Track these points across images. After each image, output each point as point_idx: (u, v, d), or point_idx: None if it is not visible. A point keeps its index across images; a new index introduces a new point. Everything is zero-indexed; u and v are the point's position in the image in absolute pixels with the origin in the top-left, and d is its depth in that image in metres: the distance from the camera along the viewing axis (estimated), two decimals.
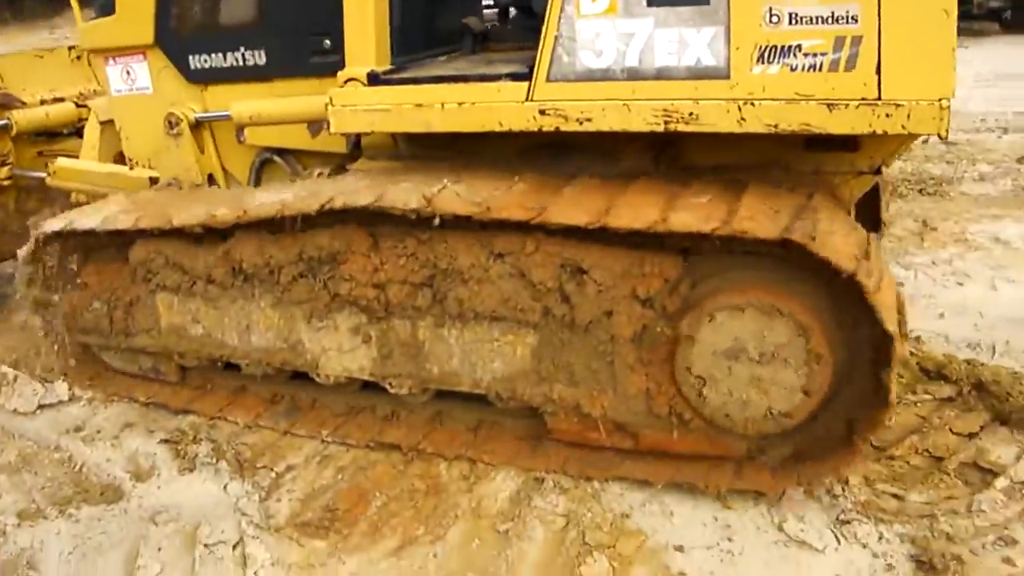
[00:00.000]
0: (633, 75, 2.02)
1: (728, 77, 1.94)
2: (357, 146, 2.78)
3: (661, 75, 1.99)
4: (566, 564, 2.08)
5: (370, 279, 2.35)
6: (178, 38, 3.02)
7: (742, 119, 1.94)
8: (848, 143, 2.20)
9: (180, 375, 2.98)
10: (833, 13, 1.83)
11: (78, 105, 3.84)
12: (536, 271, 2.17)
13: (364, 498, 2.39)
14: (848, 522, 2.12)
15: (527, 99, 2.12)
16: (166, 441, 2.76)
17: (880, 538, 2.07)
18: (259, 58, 2.89)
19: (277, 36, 2.83)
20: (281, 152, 3.02)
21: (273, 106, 2.84)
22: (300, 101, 2.77)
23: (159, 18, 3.01)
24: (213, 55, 2.97)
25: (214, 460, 2.63)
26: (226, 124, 3.02)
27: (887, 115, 1.84)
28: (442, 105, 2.21)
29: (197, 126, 3.09)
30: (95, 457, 2.72)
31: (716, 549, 2.09)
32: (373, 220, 2.31)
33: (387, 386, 2.54)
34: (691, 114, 1.98)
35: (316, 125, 2.79)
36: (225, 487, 2.50)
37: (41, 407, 3.05)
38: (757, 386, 2.08)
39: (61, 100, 3.88)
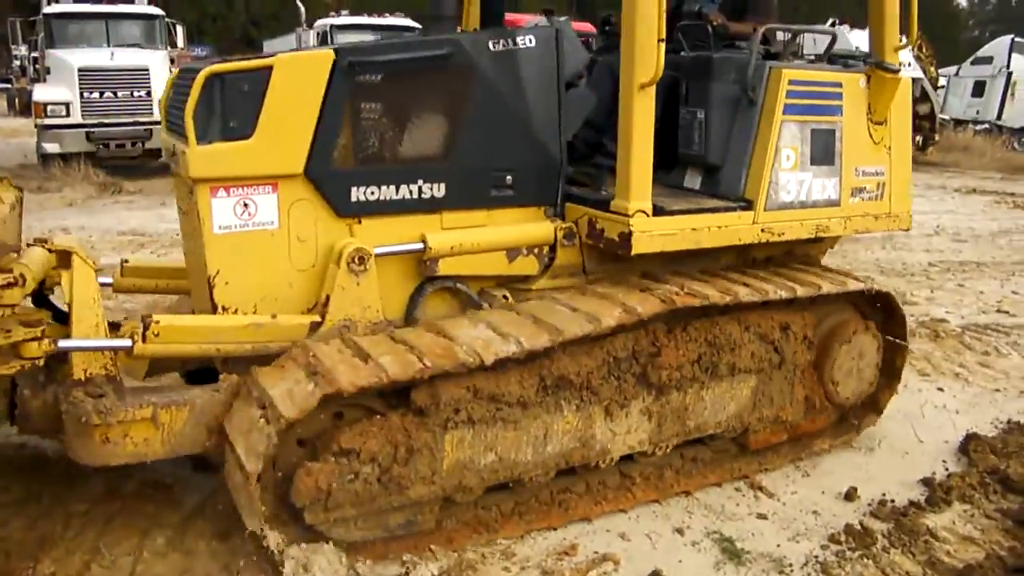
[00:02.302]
0: (803, 205, 3.82)
1: (840, 205, 3.89)
2: (546, 268, 3.69)
3: (816, 205, 3.85)
4: None
5: (670, 365, 3.45)
6: (339, 169, 3.31)
7: (844, 227, 3.91)
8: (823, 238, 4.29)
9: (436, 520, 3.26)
10: (876, 171, 3.93)
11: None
12: (769, 332, 3.70)
13: None
14: None
15: (753, 222, 3.68)
16: None
17: None
18: (437, 191, 3.48)
19: (461, 170, 3.51)
20: (455, 279, 3.57)
21: (479, 236, 3.53)
22: (508, 232, 3.59)
23: (316, 147, 3.25)
24: (383, 187, 3.39)
25: None
26: (382, 259, 3.38)
27: (893, 218, 4.02)
28: (709, 229, 3.57)
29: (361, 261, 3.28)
30: None
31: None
32: (662, 318, 3.43)
33: (655, 451, 3.61)
34: (826, 227, 3.87)
35: (514, 251, 3.62)
36: None
37: None
38: (857, 375, 4.02)
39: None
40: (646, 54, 3.30)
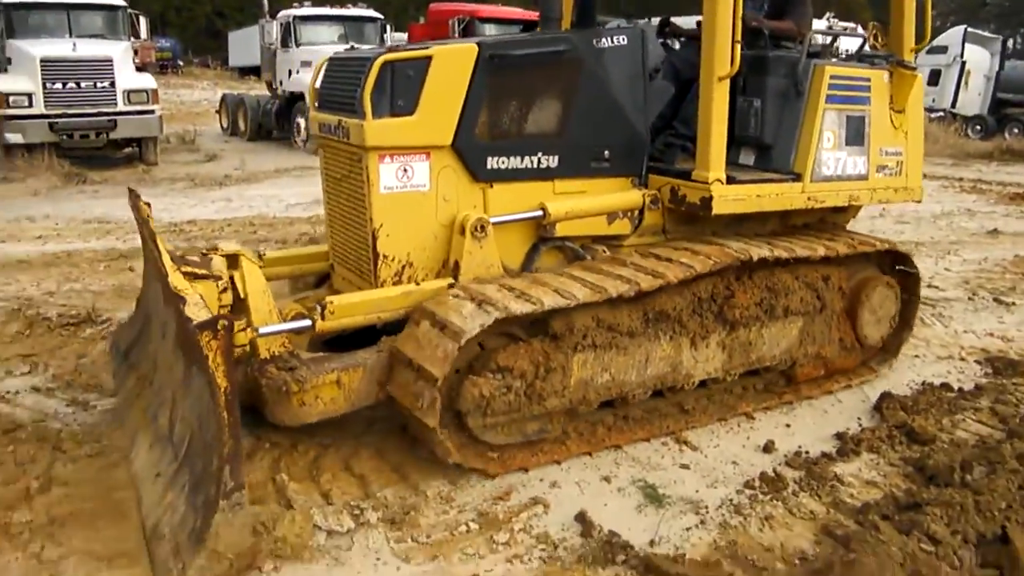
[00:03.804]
0: (840, 178, 4.96)
1: (867, 179, 5.02)
2: (635, 228, 4.77)
3: (849, 178, 5.00)
4: None
5: (741, 304, 4.51)
6: (478, 142, 4.36)
7: (871, 198, 5.04)
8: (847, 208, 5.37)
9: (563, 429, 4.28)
10: (896, 151, 5.04)
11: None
12: (814, 281, 4.83)
13: None
14: None
15: (803, 191, 4.80)
16: None
17: None
18: (552, 162, 4.57)
19: (571, 145, 4.60)
20: (564, 239, 4.63)
21: (589, 203, 4.64)
22: (611, 199, 4.70)
23: (462, 123, 4.29)
24: (511, 157, 4.46)
25: None
26: (503, 224, 4.43)
27: (908, 191, 5.10)
28: (770, 195, 4.71)
29: (482, 229, 4.36)
30: None
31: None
32: (734, 269, 4.50)
33: (725, 377, 4.72)
34: (857, 196, 4.99)
35: (612, 214, 4.71)
36: None
37: None
38: (879, 320, 5.11)
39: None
40: (723, 53, 4.43)
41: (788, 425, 4.82)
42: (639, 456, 4.38)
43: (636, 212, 4.80)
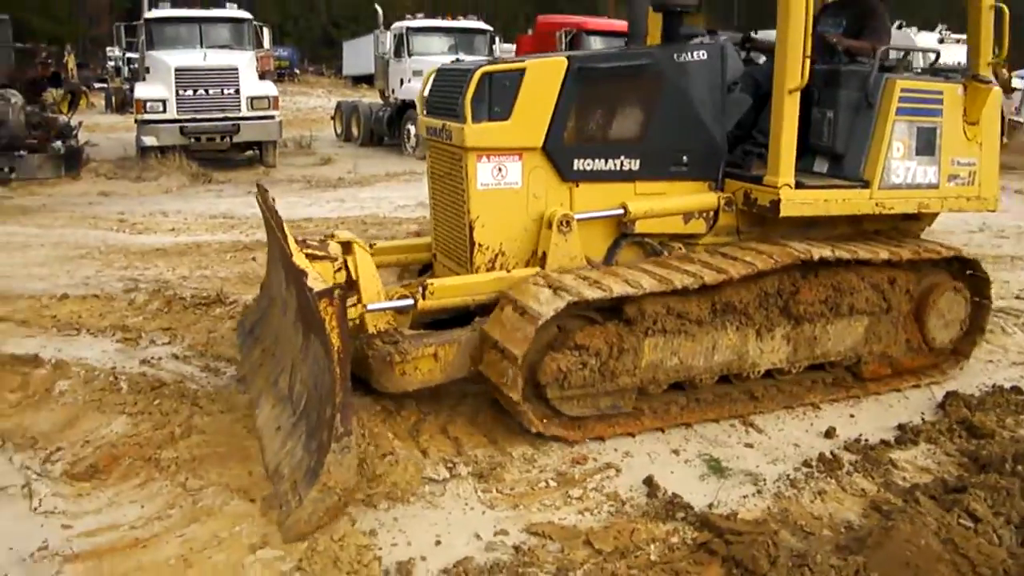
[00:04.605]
0: (909, 186, 5.30)
1: (938, 188, 5.34)
2: (710, 228, 5.19)
3: (919, 187, 5.34)
4: None
5: (806, 301, 4.89)
6: (566, 145, 4.88)
7: (941, 205, 5.33)
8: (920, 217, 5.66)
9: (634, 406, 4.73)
10: (969, 161, 5.35)
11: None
12: (879, 283, 5.15)
13: None
14: None
15: (870, 198, 5.16)
16: None
17: None
18: (633, 165, 5.07)
19: (652, 150, 5.07)
20: (643, 236, 5.10)
21: (667, 203, 5.10)
22: (687, 200, 5.16)
23: (552, 127, 4.83)
24: (596, 160, 4.98)
25: None
26: (587, 221, 4.94)
27: (981, 200, 5.44)
28: (837, 200, 5.10)
29: (567, 223, 4.85)
30: None
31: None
32: (799, 268, 4.86)
33: (789, 369, 5.08)
34: (926, 204, 5.32)
35: (688, 215, 5.16)
36: None
37: None
38: (948, 324, 5.42)
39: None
40: (795, 67, 4.82)
41: (852, 416, 5.12)
42: (707, 434, 4.78)
43: (711, 213, 5.22)
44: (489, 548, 3.63)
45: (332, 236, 4.99)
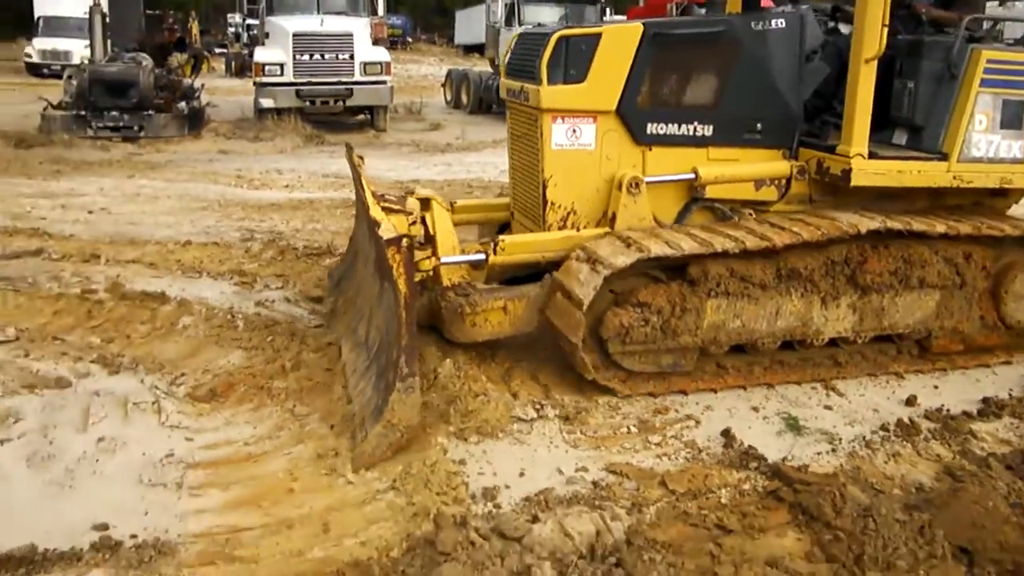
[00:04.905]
0: (991, 160, 5.23)
1: None
2: (782, 196, 5.27)
3: (1003, 161, 5.25)
4: None
5: (873, 271, 4.96)
6: (639, 109, 5.00)
7: None
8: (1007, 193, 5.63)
9: (695, 366, 4.87)
10: None
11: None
12: (953, 256, 5.13)
13: None
14: None
15: (948, 171, 5.15)
16: None
17: None
18: (707, 131, 5.14)
19: (725, 116, 5.14)
20: (714, 201, 5.21)
21: (738, 170, 5.16)
22: (758, 167, 5.20)
23: (626, 91, 4.95)
24: (669, 124, 5.08)
25: None
26: (659, 184, 5.08)
27: None
28: (911, 172, 5.08)
29: (636, 186, 5.01)
30: None
31: None
32: (867, 238, 4.92)
33: (855, 339, 5.13)
34: (1009, 179, 5.28)
35: (760, 182, 5.24)
36: None
37: None
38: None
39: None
40: (872, 36, 4.82)
41: (936, 387, 5.15)
42: (788, 395, 4.93)
43: (783, 181, 5.27)
44: (569, 482, 3.90)
45: (412, 192, 5.24)
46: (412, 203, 5.07)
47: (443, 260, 4.90)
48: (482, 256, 4.96)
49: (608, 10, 20.75)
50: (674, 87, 5.05)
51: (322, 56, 15.92)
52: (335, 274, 6.25)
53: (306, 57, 15.81)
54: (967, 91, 5.10)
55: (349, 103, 16.38)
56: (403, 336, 3.95)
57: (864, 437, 4.46)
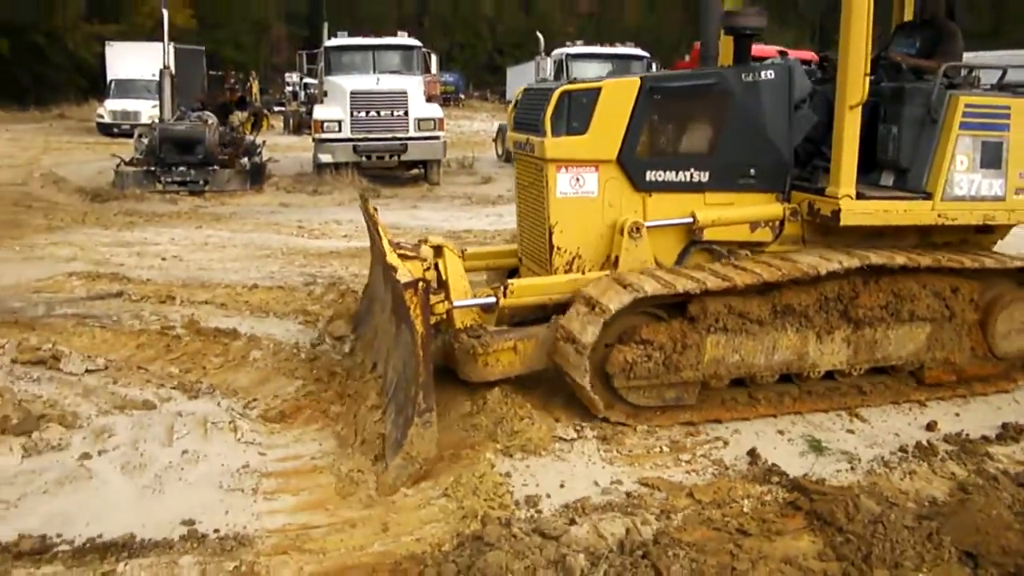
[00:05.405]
0: (973, 198, 5.47)
1: (1004, 200, 5.54)
2: (776, 237, 5.58)
3: (984, 199, 5.49)
4: None
5: (865, 305, 5.22)
6: (639, 157, 5.31)
7: (1008, 218, 5.56)
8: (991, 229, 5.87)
9: (697, 399, 5.14)
10: None
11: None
12: (941, 290, 5.38)
13: None
14: None
15: (932, 209, 5.42)
16: None
17: None
18: (703, 177, 5.44)
19: (720, 163, 5.43)
20: (712, 243, 5.50)
21: (733, 213, 5.46)
22: (753, 210, 5.49)
23: (626, 141, 5.27)
24: (667, 172, 5.38)
25: None
26: (658, 229, 5.40)
27: None
28: (897, 211, 5.34)
29: (638, 230, 5.31)
30: None
31: None
32: (858, 273, 5.20)
33: (849, 371, 5.40)
34: (992, 216, 5.52)
35: (755, 224, 5.54)
36: None
37: None
38: (1016, 337, 5.70)
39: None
40: (855, 84, 5.14)
41: (957, 414, 5.41)
42: (813, 420, 5.25)
43: (777, 223, 5.56)
44: (605, 492, 4.27)
45: (425, 240, 5.60)
46: (426, 250, 5.40)
47: (456, 304, 5.20)
48: (492, 299, 5.24)
49: (655, 65, 21.33)
50: (671, 136, 5.36)
51: (378, 113, 16.62)
52: (355, 319, 6.64)
53: (363, 114, 16.52)
54: (947, 134, 5.39)
55: (404, 158, 16.98)
56: (420, 373, 4.22)
57: (882, 457, 4.75)
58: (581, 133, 5.24)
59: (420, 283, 4.33)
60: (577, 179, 5.31)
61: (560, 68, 20.21)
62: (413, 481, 4.29)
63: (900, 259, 5.21)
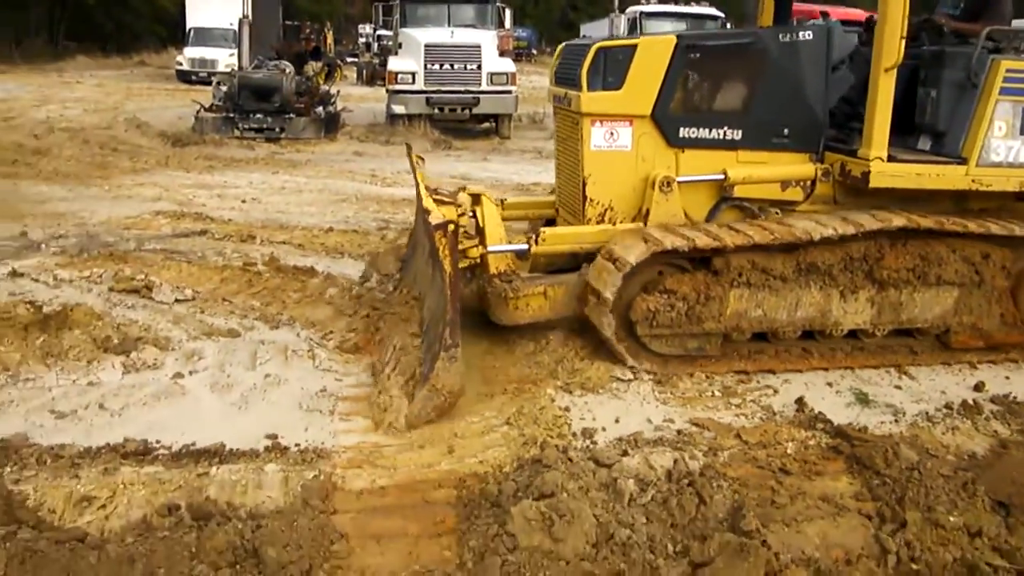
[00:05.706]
0: (1011, 165, 5.40)
1: None
2: (807, 197, 5.63)
3: (1022, 166, 5.41)
4: None
5: (890, 267, 5.24)
6: (673, 114, 5.40)
7: None
8: None
9: (720, 351, 5.27)
10: None
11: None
12: (971, 255, 5.35)
13: None
14: None
15: (966, 174, 5.38)
16: None
17: None
18: (736, 135, 5.49)
19: (754, 122, 5.48)
20: (743, 200, 5.59)
21: (764, 171, 5.52)
22: (784, 169, 5.53)
23: (660, 98, 5.36)
24: (700, 128, 5.45)
25: None
26: (691, 184, 5.49)
27: None
28: (930, 175, 5.33)
29: (668, 184, 5.41)
30: None
31: None
32: (886, 235, 5.24)
33: (874, 331, 5.46)
34: None
35: (786, 183, 5.59)
36: None
37: None
38: None
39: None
40: (891, 46, 5.12)
41: (1007, 377, 5.45)
42: (863, 375, 5.36)
43: (808, 183, 5.57)
44: (657, 429, 4.50)
45: (464, 188, 5.76)
46: (463, 197, 5.59)
47: (490, 249, 5.39)
48: (525, 246, 5.42)
49: (729, 24, 21.12)
50: (705, 94, 5.43)
51: (451, 66, 16.80)
52: (400, 261, 6.96)
53: (436, 67, 16.72)
54: (987, 99, 5.32)
55: (475, 111, 17.19)
56: (448, 311, 4.41)
57: (927, 412, 4.86)
58: (616, 88, 5.34)
59: (450, 224, 4.49)
60: (611, 133, 5.42)
61: (634, 26, 20.14)
62: (438, 413, 4.50)
63: (899, 221, 5.19)
